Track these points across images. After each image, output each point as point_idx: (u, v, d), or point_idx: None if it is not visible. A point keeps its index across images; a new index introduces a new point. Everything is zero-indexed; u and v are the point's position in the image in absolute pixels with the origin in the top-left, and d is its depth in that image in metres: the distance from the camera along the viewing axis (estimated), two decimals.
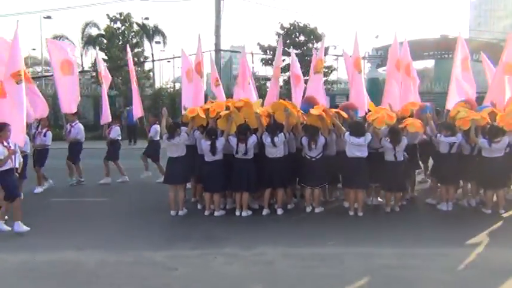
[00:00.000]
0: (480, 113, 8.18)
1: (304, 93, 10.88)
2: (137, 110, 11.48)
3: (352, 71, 10.57)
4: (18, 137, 7.40)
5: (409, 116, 8.74)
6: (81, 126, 10.97)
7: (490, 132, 7.86)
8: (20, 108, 7.51)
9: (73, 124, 10.87)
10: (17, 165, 7.42)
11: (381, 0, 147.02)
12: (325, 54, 27.67)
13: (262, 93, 16.36)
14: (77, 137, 10.79)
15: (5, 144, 7.10)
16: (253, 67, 42.26)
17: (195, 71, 10.50)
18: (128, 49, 12.84)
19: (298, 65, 11.75)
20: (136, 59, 28.22)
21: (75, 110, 10.74)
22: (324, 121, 8.14)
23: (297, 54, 12.38)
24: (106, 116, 11.36)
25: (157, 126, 11.33)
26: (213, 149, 7.83)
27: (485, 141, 7.85)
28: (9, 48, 7.82)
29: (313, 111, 8.11)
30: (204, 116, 8.19)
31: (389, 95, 10.08)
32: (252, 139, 7.84)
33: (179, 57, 12.91)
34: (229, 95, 12.54)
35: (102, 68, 11.92)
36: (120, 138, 11.52)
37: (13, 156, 7.20)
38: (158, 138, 11.31)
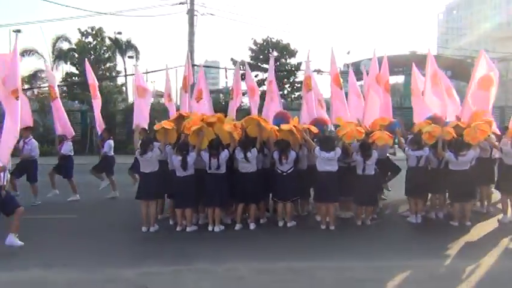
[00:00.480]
0: (446, 128, 8.41)
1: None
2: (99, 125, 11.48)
3: (333, 87, 10.67)
4: (5, 155, 7.18)
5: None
6: (35, 142, 10.49)
7: (455, 146, 8.09)
8: (16, 125, 7.38)
9: (27, 140, 10.31)
10: (5, 183, 7.15)
11: (351, 17, 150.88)
12: (298, 69, 28.22)
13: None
14: (31, 153, 10.34)
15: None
16: (226, 82, 42.76)
17: (182, 86, 10.53)
18: (87, 63, 12.43)
19: (252, 77, 12.00)
20: (108, 74, 27.98)
21: (30, 124, 10.30)
22: (295, 136, 8.23)
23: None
24: (69, 130, 11.13)
25: (111, 142, 11.23)
26: (184, 164, 7.79)
27: (452, 155, 8.07)
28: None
29: (283, 126, 8.20)
30: (170, 127, 8.13)
31: (370, 108, 10.26)
32: (224, 154, 7.84)
33: (153, 71, 13.04)
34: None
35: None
36: (72, 153, 11.10)
37: (1, 174, 6.95)
38: (112, 153, 11.23)
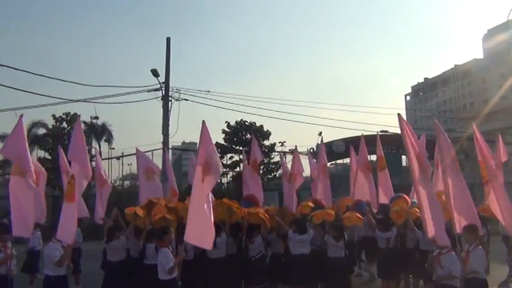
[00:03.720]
0: (411, 209, 8.54)
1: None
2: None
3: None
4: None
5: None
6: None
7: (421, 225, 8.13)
8: None
9: None
10: None
11: (324, 97, 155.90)
12: (272, 150, 28.69)
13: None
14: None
15: (171, 249, 6.67)
16: None
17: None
18: (61, 150, 11.27)
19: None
20: None
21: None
22: (262, 220, 8.10)
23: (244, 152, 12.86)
24: None
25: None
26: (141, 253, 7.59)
27: (421, 233, 8.10)
28: None
29: (251, 210, 8.18)
30: (142, 215, 8.00)
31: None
32: None
33: (128, 155, 13.06)
34: (180, 192, 12.43)
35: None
36: None
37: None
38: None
